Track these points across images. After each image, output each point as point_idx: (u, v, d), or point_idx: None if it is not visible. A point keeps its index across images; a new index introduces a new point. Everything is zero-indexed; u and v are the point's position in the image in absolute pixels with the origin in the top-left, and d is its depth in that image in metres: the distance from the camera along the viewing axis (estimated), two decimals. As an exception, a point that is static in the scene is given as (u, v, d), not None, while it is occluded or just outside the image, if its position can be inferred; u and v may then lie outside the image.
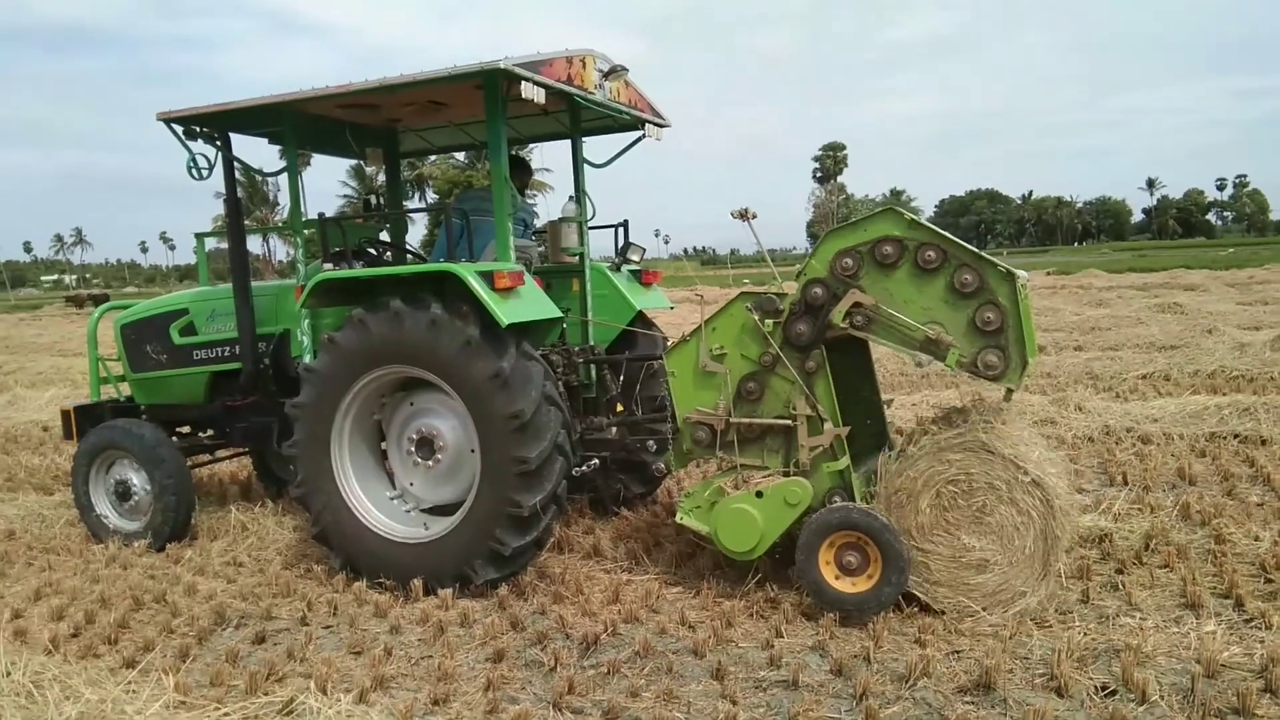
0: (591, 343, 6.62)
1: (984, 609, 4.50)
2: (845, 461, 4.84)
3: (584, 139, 6.88)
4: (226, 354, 6.78)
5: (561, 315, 5.83)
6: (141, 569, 5.95)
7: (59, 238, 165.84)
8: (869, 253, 4.67)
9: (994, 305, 4.50)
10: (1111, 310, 19.73)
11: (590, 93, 5.84)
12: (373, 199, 7.13)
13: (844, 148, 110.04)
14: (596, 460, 6.24)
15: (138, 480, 6.66)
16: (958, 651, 4.21)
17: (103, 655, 4.65)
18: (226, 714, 3.67)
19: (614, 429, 6.33)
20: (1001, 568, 4.52)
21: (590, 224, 6.80)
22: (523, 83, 5.16)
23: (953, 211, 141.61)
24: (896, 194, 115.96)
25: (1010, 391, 4.72)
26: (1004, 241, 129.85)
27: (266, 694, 4.01)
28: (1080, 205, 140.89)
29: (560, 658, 4.30)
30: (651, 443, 6.09)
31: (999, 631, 4.33)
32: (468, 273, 5.15)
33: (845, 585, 4.66)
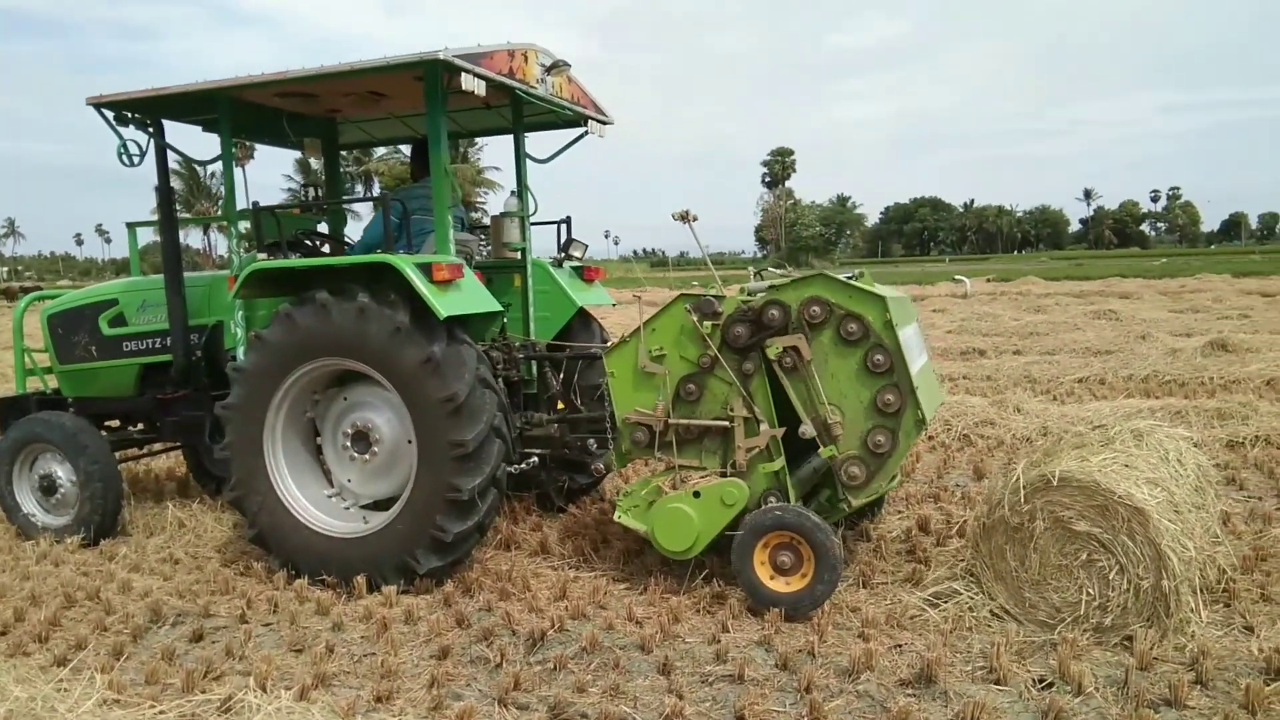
0: (533, 338, 6.61)
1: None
2: (781, 463, 4.87)
3: (527, 134, 6.88)
4: (157, 345, 6.63)
5: (501, 309, 5.83)
6: (74, 566, 5.79)
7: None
8: (839, 315, 4.69)
9: (895, 388, 4.61)
10: (1049, 316, 20.22)
11: (532, 87, 5.83)
12: (312, 191, 7.09)
13: (792, 153, 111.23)
14: (535, 458, 6.20)
15: (62, 472, 6.46)
16: (900, 645, 4.27)
17: (33, 654, 4.51)
18: (162, 712, 3.58)
19: (555, 425, 6.30)
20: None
21: (533, 220, 6.76)
22: (463, 74, 5.13)
23: (896, 219, 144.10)
24: (843, 200, 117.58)
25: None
26: (945, 249, 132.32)
27: (204, 692, 3.93)
28: (1020, 214, 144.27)
29: (506, 654, 4.27)
30: (592, 440, 6.09)
31: (939, 625, 4.41)
32: (405, 264, 5.10)
33: (780, 585, 4.70)
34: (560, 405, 6.52)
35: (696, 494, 4.88)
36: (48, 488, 6.52)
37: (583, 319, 6.77)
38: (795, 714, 3.72)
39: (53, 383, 7.25)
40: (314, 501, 5.60)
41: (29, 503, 6.62)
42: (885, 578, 5.11)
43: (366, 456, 5.52)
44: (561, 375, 6.62)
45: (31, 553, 6.08)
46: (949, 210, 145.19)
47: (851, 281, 4.82)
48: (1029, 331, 17.38)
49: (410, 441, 5.25)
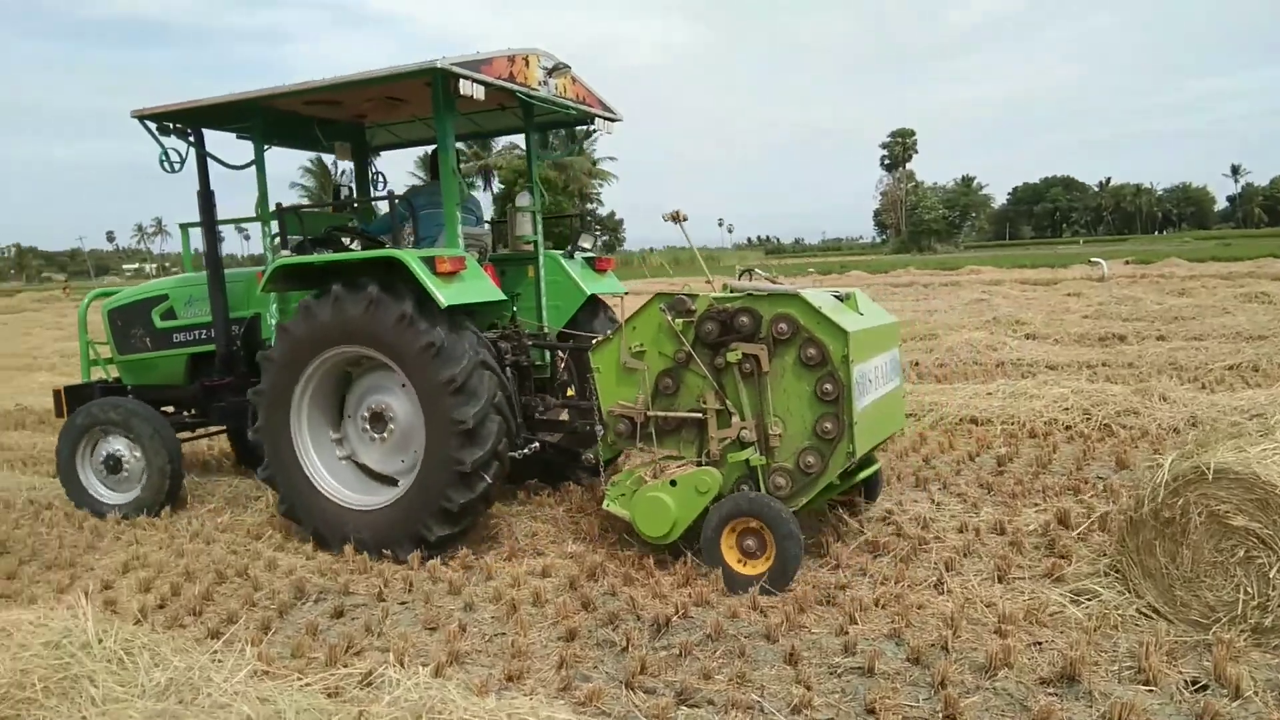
0: (545, 327, 6.97)
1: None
2: (751, 452, 5.03)
3: (538, 133, 7.28)
4: (203, 336, 7.24)
5: (504, 298, 6.19)
6: (224, 544, 6.12)
7: (139, 227, 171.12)
8: (804, 337, 4.88)
9: (836, 418, 4.85)
10: (1195, 300, 19.04)
11: (534, 89, 6.19)
12: (343, 190, 7.57)
13: (913, 134, 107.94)
14: (536, 444, 6.39)
15: (127, 452, 7.03)
16: (1039, 643, 4.10)
17: (188, 626, 4.79)
18: (309, 684, 3.74)
19: (564, 410, 6.57)
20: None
21: (547, 215, 7.09)
22: (461, 80, 5.52)
23: (1026, 199, 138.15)
24: (967, 181, 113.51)
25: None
26: (1079, 230, 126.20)
27: (346, 666, 4.09)
28: (1160, 193, 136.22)
29: (632, 638, 4.30)
30: (600, 426, 6.18)
31: (1082, 623, 4.21)
32: (411, 258, 5.53)
33: (748, 569, 4.90)
34: (570, 391, 6.85)
35: (673, 483, 5.11)
36: (113, 467, 7.08)
37: (593, 307, 7.12)
38: (929, 710, 3.61)
39: (114, 372, 7.86)
40: (336, 477, 6.10)
41: (94, 482, 7.18)
42: (1022, 572, 4.91)
43: (383, 435, 6.01)
44: (563, 362, 7.03)
45: (185, 531, 6.47)
46: (1082, 190, 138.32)
47: (840, 301, 5.21)
48: (1173, 316, 16.42)
49: (420, 419, 5.63)
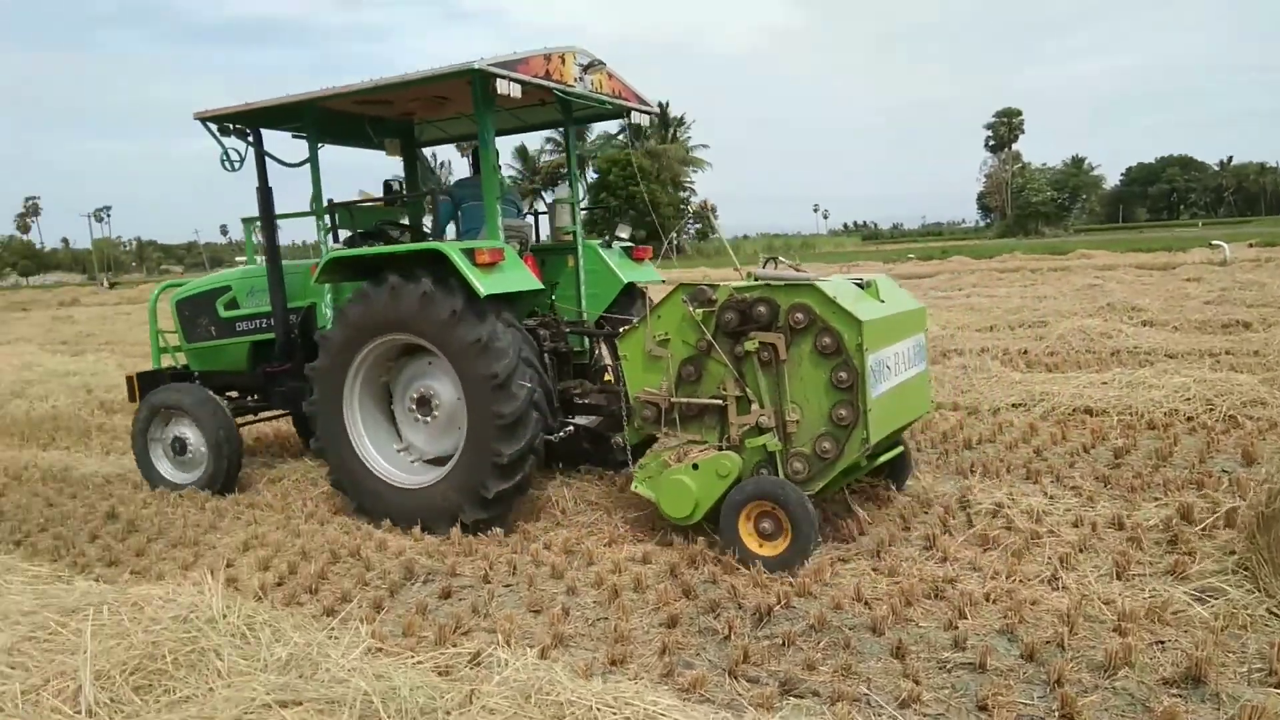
0: (583, 314, 7.28)
1: None
2: (770, 437, 5.16)
3: (577, 126, 7.52)
4: (263, 325, 7.61)
5: (540, 287, 6.43)
6: (337, 525, 6.34)
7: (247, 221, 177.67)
8: (819, 326, 5.00)
9: (851, 405, 4.97)
10: (1330, 284, 17.88)
11: (570, 86, 6.43)
12: (394, 184, 7.84)
13: (1019, 113, 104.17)
14: (571, 427, 6.56)
15: (192, 435, 7.49)
16: (1162, 642, 3.93)
17: (305, 604, 4.99)
18: (420, 662, 3.85)
19: (601, 394, 6.74)
20: None
21: (584, 206, 7.33)
22: (497, 80, 5.76)
23: (1140, 180, 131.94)
24: (1077, 162, 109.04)
25: None
26: (1198, 212, 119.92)
27: (455, 646, 4.20)
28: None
29: (734, 627, 4.29)
30: (626, 411, 6.37)
31: (1208, 622, 4.01)
32: (452, 250, 5.82)
33: (766, 550, 5.05)
34: (606, 376, 7.06)
35: (695, 466, 5.32)
36: (179, 448, 7.54)
37: (630, 295, 7.31)
38: (1044, 708, 3.50)
39: (182, 359, 8.31)
40: (384, 455, 6.52)
41: (163, 463, 7.67)
42: (1142, 569, 4.70)
43: (429, 419, 6.41)
44: (599, 348, 7.25)
45: (300, 512, 6.73)
46: (1201, 169, 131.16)
47: (861, 288, 5.39)
48: (1305, 301, 15.46)
49: (461, 405, 5.96)
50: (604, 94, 6.80)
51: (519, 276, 6.12)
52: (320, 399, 6.45)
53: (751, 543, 5.09)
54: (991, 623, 4.22)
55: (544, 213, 7.72)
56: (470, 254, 5.84)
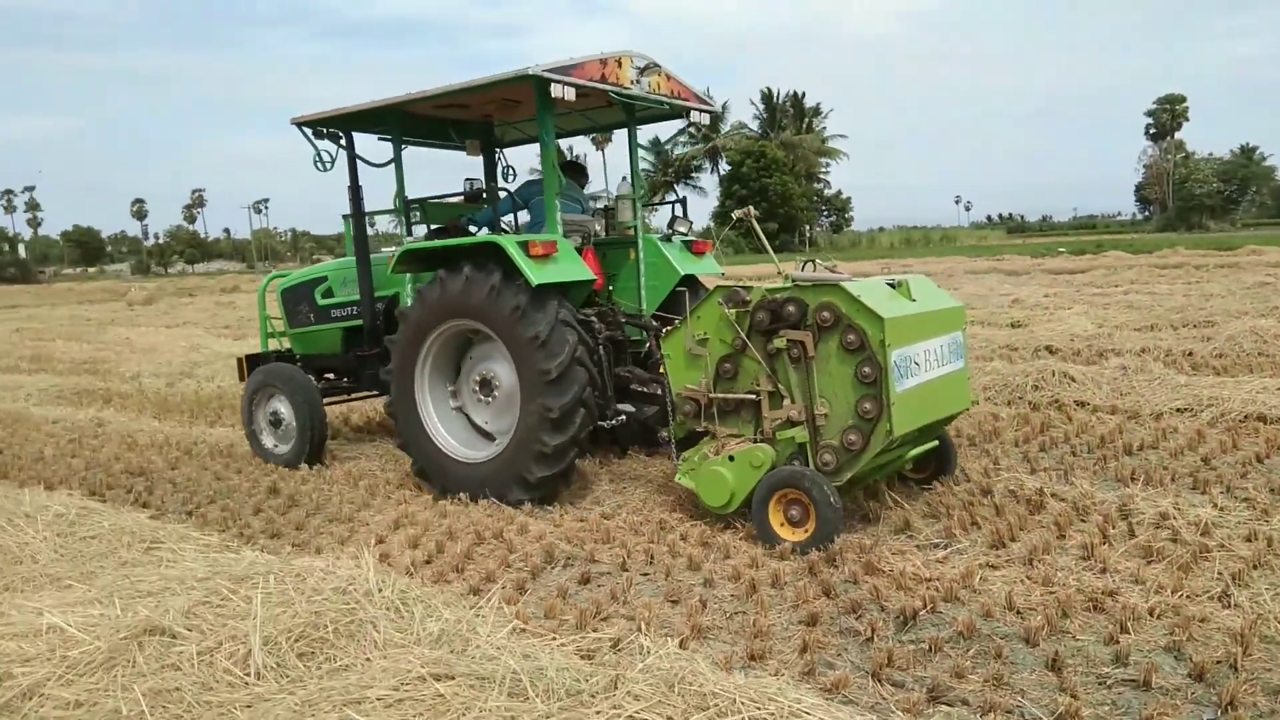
0: (643, 306, 7.67)
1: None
2: (800, 430, 5.46)
3: (640, 126, 7.98)
4: (354, 312, 8.25)
5: (592, 277, 6.73)
6: (481, 508, 6.52)
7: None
8: (845, 324, 5.27)
9: (876, 399, 5.21)
10: None
11: (627, 88, 6.74)
12: (471, 184, 8.24)
13: (1183, 100, 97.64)
14: (623, 416, 7.09)
15: (285, 411, 8.15)
16: (1353, 671, 3.62)
17: (452, 582, 5.16)
18: (563, 644, 3.93)
19: (656, 384, 7.00)
20: None
21: (648, 202, 7.77)
22: (552, 84, 6.13)
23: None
24: (1247, 152, 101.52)
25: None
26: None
27: (595, 630, 4.26)
28: None
29: (876, 629, 4.19)
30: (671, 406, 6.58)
31: None
32: (508, 243, 6.31)
33: (791, 535, 5.35)
34: (662, 368, 7.17)
35: (731, 458, 5.62)
36: (275, 422, 8.24)
37: (693, 288, 7.65)
38: (1217, 733, 3.28)
39: (286, 344, 9.06)
40: (446, 427, 7.04)
41: (265, 436, 8.35)
42: (1328, 590, 4.35)
43: (489, 399, 6.92)
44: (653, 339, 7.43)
45: (447, 495, 6.96)
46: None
47: (893, 288, 5.61)
48: None
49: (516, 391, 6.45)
50: (661, 95, 7.08)
51: (570, 268, 6.50)
52: (395, 369, 6.98)
53: (782, 529, 5.39)
54: (1156, 639, 3.98)
55: (612, 209, 8.10)
56: (525, 246, 6.27)
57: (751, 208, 6.42)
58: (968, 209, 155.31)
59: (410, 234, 7.62)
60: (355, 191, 7.93)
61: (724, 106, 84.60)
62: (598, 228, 8.02)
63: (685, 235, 7.95)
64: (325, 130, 7.66)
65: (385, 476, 7.58)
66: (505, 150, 9.14)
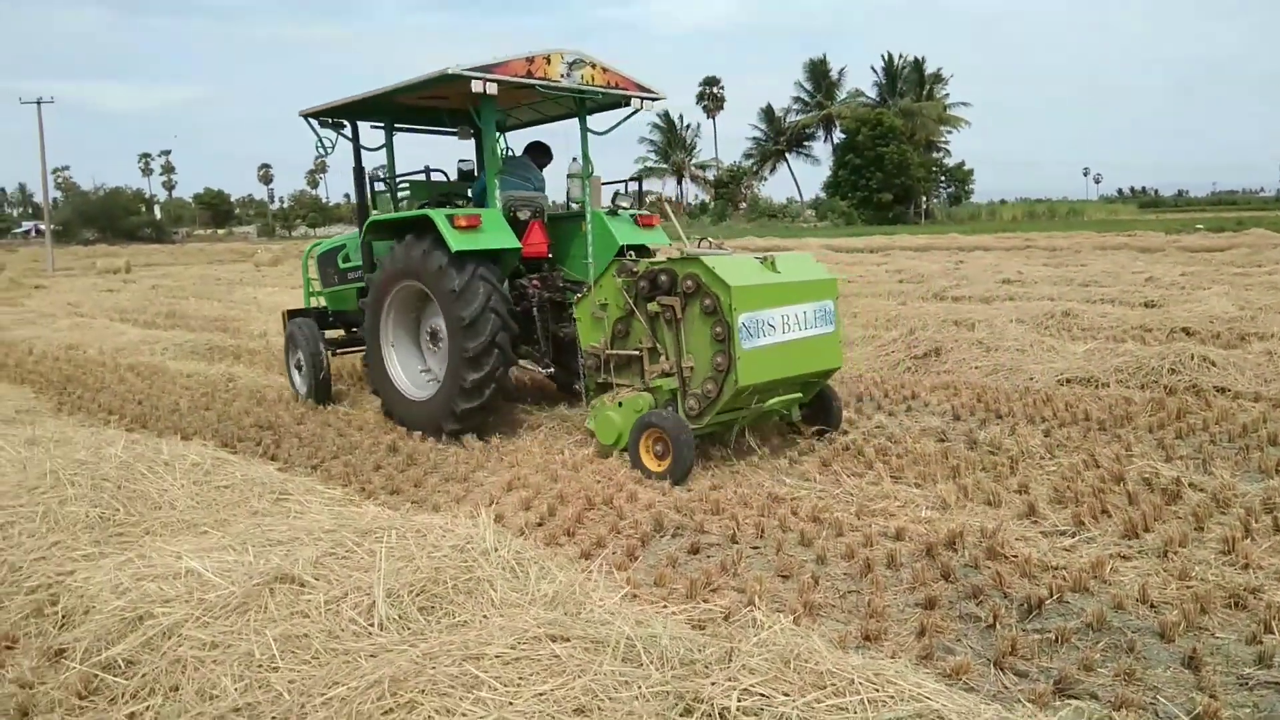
0: (591, 274, 8.35)
1: None
2: (672, 380, 6.59)
3: (590, 116, 8.74)
4: (362, 275, 9.21)
5: (516, 245, 7.74)
6: (590, 473, 6.58)
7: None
8: (704, 290, 6.28)
9: (726, 354, 6.24)
10: None
11: (556, 81, 7.58)
12: (463, 166, 9.33)
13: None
14: (552, 369, 8.31)
15: (303, 356, 9.53)
16: None
17: (563, 545, 5.22)
18: (674, 613, 3.93)
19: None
20: None
21: (605, 181, 8.77)
22: (472, 81, 7.09)
23: None
24: None
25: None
26: None
27: (705, 601, 4.25)
28: None
29: (999, 616, 4.05)
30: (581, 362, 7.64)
31: None
32: (436, 215, 7.40)
33: (656, 466, 6.38)
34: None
35: (620, 404, 6.83)
36: (299, 366, 9.68)
37: (640, 255, 8.16)
38: (1378, 748, 3.06)
39: (322, 302, 10.38)
40: (406, 373, 8.34)
41: (295, 374, 9.77)
42: None
43: (437, 347, 8.12)
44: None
45: (557, 459, 7.04)
46: None
47: (760, 262, 6.55)
48: None
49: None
50: (596, 86, 7.86)
51: (494, 236, 7.53)
52: (366, 326, 8.37)
53: (649, 461, 6.40)
54: (1306, 643, 3.73)
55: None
56: (451, 219, 7.31)
57: (673, 196, 7.42)
58: (1097, 181, 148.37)
59: (396, 208, 8.85)
60: (359, 173, 9.16)
61: (840, 71, 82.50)
62: (552, 203, 8.96)
63: (627, 209, 8.76)
64: (331, 120, 8.89)
65: (497, 441, 7.73)
66: (506, 134, 10.11)
